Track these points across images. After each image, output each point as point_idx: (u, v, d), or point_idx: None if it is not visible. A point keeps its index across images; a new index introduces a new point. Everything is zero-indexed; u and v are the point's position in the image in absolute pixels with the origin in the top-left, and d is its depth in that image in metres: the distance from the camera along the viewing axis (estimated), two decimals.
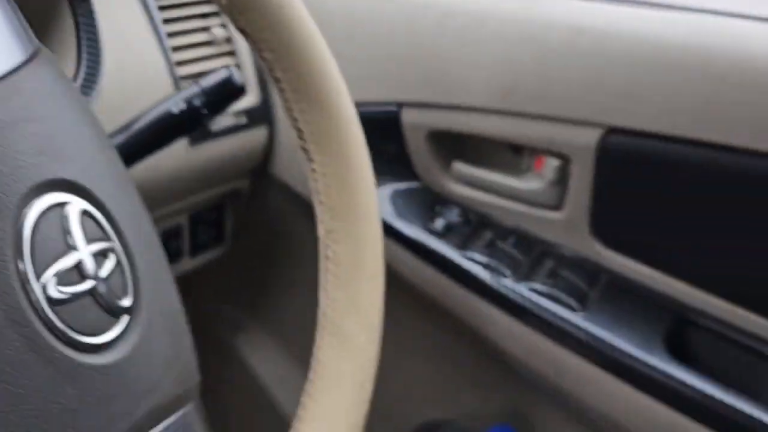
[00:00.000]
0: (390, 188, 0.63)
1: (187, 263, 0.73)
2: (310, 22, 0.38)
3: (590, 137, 0.51)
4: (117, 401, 0.27)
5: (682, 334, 0.53)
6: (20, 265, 0.24)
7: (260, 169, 0.71)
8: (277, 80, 0.38)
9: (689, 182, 0.50)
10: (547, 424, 0.65)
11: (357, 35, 0.63)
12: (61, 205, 0.26)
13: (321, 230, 0.40)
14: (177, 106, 0.47)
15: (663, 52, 0.49)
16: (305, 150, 0.40)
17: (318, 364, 0.39)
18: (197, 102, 0.47)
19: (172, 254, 0.70)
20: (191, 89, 0.47)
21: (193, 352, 0.34)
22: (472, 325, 0.59)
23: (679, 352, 0.51)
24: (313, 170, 0.40)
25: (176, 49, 0.59)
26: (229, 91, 0.49)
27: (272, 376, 0.88)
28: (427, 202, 0.62)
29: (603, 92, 0.51)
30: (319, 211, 0.40)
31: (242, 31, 0.37)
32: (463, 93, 0.57)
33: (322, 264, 0.40)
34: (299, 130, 0.39)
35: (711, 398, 0.48)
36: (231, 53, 0.64)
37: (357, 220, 0.40)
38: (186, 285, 1.00)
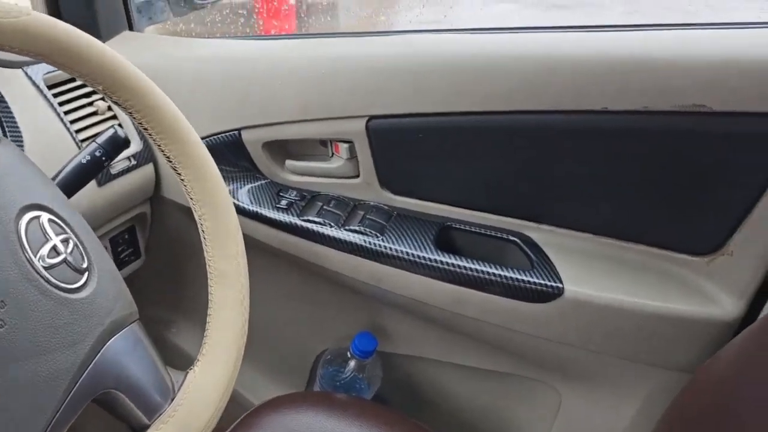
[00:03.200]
0: (247, 187, 0.89)
1: None
2: (158, 90, 0.62)
3: (360, 125, 0.78)
4: (92, 318, 0.49)
5: (444, 235, 0.82)
6: (25, 252, 0.46)
7: (155, 195, 0.95)
8: (145, 129, 0.62)
9: (424, 141, 0.77)
10: (388, 320, 0.92)
11: (201, 90, 0.86)
12: (37, 217, 0.49)
13: (195, 215, 0.64)
14: (84, 158, 0.69)
15: (383, 66, 0.76)
16: (174, 168, 0.64)
17: (210, 296, 0.63)
18: (98, 153, 0.69)
19: None
20: (92, 146, 0.68)
21: (128, 292, 0.57)
22: (321, 266, 0.85)
23: (443, 246, 0.79)
24: (182, 180, 0.64)
25: (73, 121, 0.82)
26: (117, 143, 0.69)
27: None
28: (273, 192, 0.88)
29: (361, 96, 0.77)
30: (192, 204, 0.64)
31: (116, 103, 0.61)
32: (279, 113, 0.82)
33: (201, 235, 0.64)
34: (167, 157, 0.63)
35: (466, 267, 0.77)
36: (114, 117, 0.87)
37: (215, 204, 0.64)
38: None
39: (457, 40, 0.75)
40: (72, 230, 0.52)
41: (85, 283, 0.50)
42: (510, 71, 0.69)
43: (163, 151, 0.63)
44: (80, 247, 0.52)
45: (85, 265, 0.51)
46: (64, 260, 0.49)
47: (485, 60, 0.71)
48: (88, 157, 0.69)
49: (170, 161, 0.63)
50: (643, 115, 0.65)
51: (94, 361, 0.48)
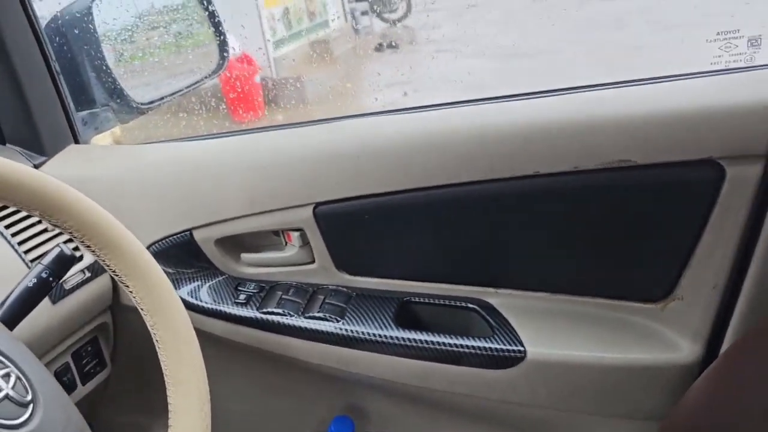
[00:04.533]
0: (206, 286, 0.89)
1: (82, 390, 0.92)
2: (95, 206, 0.62)
3: (307, 212, 0.79)
4: None
5: (404, 311, 0.82)
6: None
7: (115, 303, 0.94)
8: (87, 246, 0.62)
9: (372, 222, 0.78)
10: (363, 401, 0.91)
11: (149, 196, 0.87)
12: None
13: (148, 325, 0.64)
14: (30, 281, 0.69)
15: (321, 154, 0.78)
16: (121, 281, 0.64)
17: (170, 405, 0.62)
18: (44, 274, 0.69)
19: (68, 387, 0.90)
20: (37, 268, 0.68)
21: (81, 418, 0.57)
22: (286, 356, 0.84)
23: (404, 322, 0.79)
24: (130, 291, 0.64)
25: (21, 243, 0.81)
26: (64, 261, 0.69)
27: None
28: (232, 287, 0.88)
29: (304, 185, 0.79)
30: (143, 314, 0.64)
31: (55, 225, 0.61)
32: (226, 209, 0.82)
33: (155, 344, 0.64)
34: (112, 270, 0.63)
35: (428, 342, 0.76)
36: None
37: (165, 312, 0.64)
38: (98, 405, 1.19)
39: (386, 122, 0.77)
40: (13, 363, 0.52)
41: (31, 416, 0.50)
42: (440, 146, 0.71)
43: (108, 265, 0.62)
44: (23, 379, 0.52)
45: (29, 398, 0.51)
46: (6, 396, 0.48)
47: (416, 137, 0.72)
48: (35, 280, 0.69)
49: (116, 274, 0.62)
50: (573, 175, 0.67)
51: None
